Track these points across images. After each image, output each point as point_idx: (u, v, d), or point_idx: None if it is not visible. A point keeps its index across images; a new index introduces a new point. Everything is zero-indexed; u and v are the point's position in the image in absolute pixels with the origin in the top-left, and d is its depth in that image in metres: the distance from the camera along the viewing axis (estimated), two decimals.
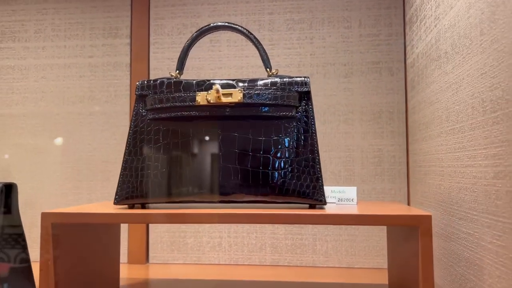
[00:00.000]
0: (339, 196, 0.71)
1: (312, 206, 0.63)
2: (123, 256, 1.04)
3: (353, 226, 0.99)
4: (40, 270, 0.60)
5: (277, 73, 0.68)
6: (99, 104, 1.08)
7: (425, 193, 0.82)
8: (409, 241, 0.59)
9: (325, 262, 0.99)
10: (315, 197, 0.62)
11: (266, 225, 1.01)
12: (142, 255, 1.04)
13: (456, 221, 0.65)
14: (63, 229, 0.63)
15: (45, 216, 0.61)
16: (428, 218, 0.55)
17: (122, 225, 1.03)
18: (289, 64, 1.03)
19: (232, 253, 1.02)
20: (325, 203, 0.62)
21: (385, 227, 0.84)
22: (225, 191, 0.63)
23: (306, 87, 0.65)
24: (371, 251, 0.98)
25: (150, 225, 1.05)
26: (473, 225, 0.58)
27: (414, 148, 0.91)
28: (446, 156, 0.69)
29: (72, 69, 1.10)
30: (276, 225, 1.01)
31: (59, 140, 1.08)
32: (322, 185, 0.62)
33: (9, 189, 0.76)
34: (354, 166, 0.99)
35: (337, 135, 1.00)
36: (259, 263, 1.01)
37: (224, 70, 1.05)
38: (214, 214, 0.58)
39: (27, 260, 0.77)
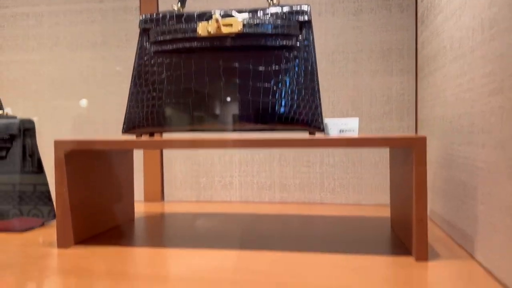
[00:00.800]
0: (341, 128, 0.72)
1: (311, 134, 0.65)
2: (140, 196, 1.09)
3: (359, 165, 1.00)
4: (56, 196, 0.65)
5: (278, 3, 0.68)
6: (111, 48, 1.10)
7: (431, 127, 0.82)
8: (407, 166, 0.61)
9: (333, 199, 1.02)
10: (314, 124, 0.63)
11: (275, 164, 1.04)
12: (158, 194, 1.09)
13: (456, 147, 0.65)
14: (76, 158, 0.67)
15: (58, 144, 0.65)
16: (422, 140, 0.56)
17: (137, 165, 1.08)
18: (297, 2, 1.01)
19: (242, 192, 1.06)
20: (323, 130, 0.63)
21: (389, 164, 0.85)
22: (226, 120, 0.65)
23: (307, 16, 0.65)
24: (377, 188, 1.00)
25: (165, 165, 1.10)
26: (469, 148, 0.59)
27: (422, 84, 0.90)
28: (449, 85, 0.69)
29: (84, 15, 1.11)
30: (284, 164, 1.03)
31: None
32: (321, 113, 0.63)
33: (27, 125, 0.80)
34: (362, 105, 0.99)
35: (345, 74, 1.00)
36: (268, 201, 1.05)
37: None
38: (221, 140, 0.60)
39: (46, 185, 0.82)
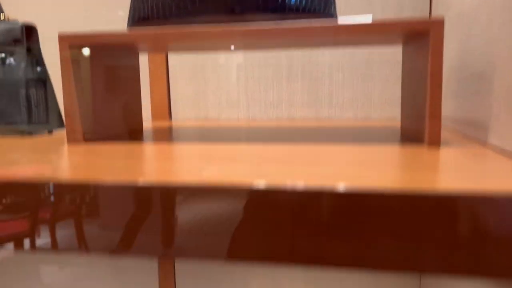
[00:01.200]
0: None
1: None
2: (147, 115, 1.09)
3: (369, 80, 0.98)
4: (64, 90, 0.64)
5: None
6: None
7: (446, 28, 0.79)
8: (421, 60, 0.59)
9: (341, 115, 1.01)
10: (327, 12, 0.61)
11: (283, 81, 1.02)
12: (165, 113, 1.09)
13: (472, 39, 0.63)
14: (82, 56, 0.65)
15: (62, 38, 0.63)
16: (440, 23, 0.54)
17: (143, 81, 1.06)
18: None
19: (250, 110, 1.05)
20: (336, 17, 0.61)
21: (400, 74, 0.83)
22: (235, 10, 0.62)
23: None
24: (387, 102, 0.98)
25: (171, 84, 1.08)
26: (488, 35, 0.57)
27: None
28: None
29: None
30: (292, 81, 1.02)
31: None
32: (335, 1, 0.61)
33: (30, 31, 0.78)
34: (374, 12, 0.96)
35: None
36: (276, 118, 1.04)
37: None
38: (229, 31, 0.58)
39: (52, 93, 0.81)
